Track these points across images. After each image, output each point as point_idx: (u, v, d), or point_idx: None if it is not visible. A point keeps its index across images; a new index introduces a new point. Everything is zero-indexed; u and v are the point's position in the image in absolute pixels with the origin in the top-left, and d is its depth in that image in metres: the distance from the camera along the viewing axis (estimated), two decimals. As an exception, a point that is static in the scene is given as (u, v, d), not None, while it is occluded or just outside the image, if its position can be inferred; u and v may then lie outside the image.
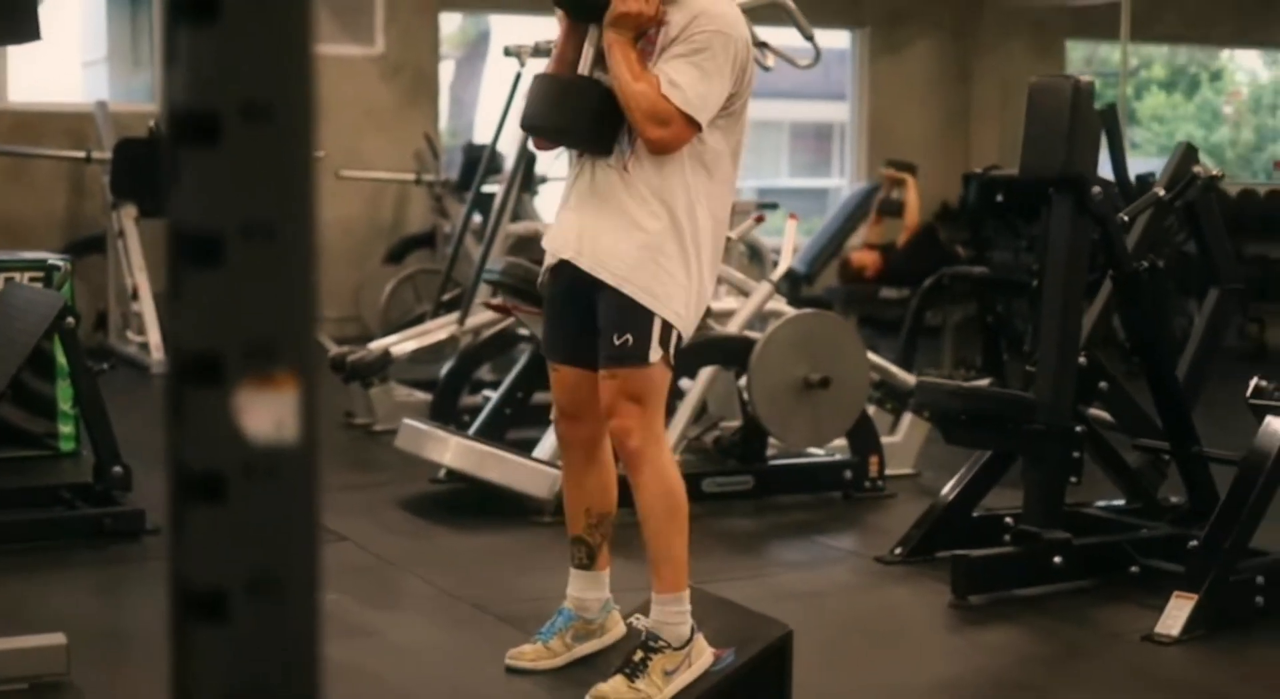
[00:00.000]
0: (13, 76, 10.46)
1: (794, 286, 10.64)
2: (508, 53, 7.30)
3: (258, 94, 1.40)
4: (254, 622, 1.44)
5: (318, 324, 1.46)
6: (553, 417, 4.03)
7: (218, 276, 1.41)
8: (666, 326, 3.69)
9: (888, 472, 6.15)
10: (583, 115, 3.75)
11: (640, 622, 3.88)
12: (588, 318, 3.78)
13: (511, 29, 13.43)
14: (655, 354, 3.68)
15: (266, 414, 1.43)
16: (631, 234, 3.69)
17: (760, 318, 6.08)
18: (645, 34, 3.73)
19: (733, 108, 3.73)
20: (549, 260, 3.88)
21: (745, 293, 6.19)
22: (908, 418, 6.46)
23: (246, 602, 1.44)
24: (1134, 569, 4.83)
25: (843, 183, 13.62)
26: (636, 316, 3.68)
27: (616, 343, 3.70)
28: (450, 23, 13.55)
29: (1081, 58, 14.15)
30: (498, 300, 6.12)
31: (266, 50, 1.41)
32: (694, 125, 3.64)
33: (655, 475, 3.72)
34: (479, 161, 8.52)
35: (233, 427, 1.43)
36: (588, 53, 3.82)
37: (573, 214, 3.81)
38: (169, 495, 1.41)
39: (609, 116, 3.71)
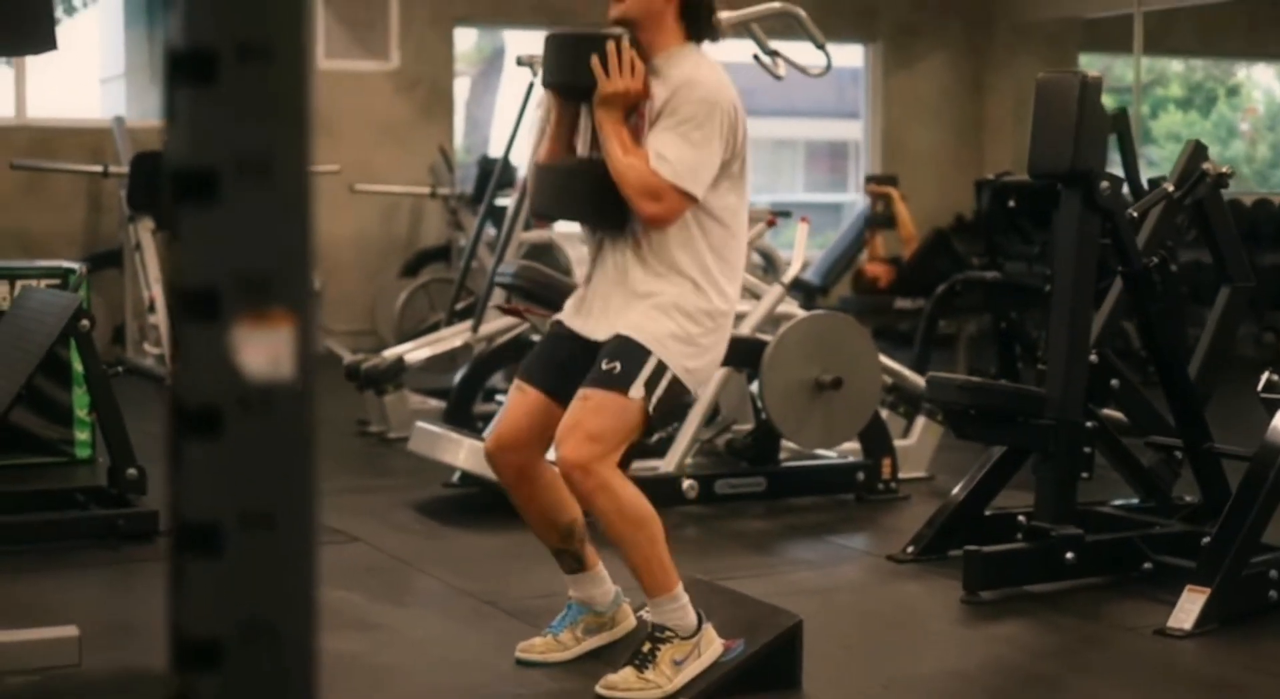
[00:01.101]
0: (32, 92, 10.52)
1: (808, 298, 10.65)
2: (520, 63, 7.33)
3: (253, 34, 1.42)
4: (247, 555, 1.45)
5: (314, 263, 1.48)
6: (484, 436, 3.99)
7: (214, 213, 1.42)
8: (659, 371, 3.65)
9: (901, 475, 6.15)
10: (587, 199, 3.77)
11: (649, 614, 3.88)
12: (580, 363, 3.75)
13: (526, 45, 13.50)
14: (637, 390, 3.63)
15: (262, 350, 1.45)
16: (647, 302, 3.70)
17: (772, 320, 6.09)
18: (636, 109, 3.74)
19: (733, 169, 3.72)
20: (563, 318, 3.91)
21: (757, 296, 6.20)
22: (921, 421, 6.47)
23: (240, 535, 1.45)
24: (1147, 566, 4.82)
25: (857, 198, 13.64)
26: (632, 351, 3.66)
27: (604, 368, 3.67)
28: (466, 40, 13.61)
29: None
30: (510, 303, 6.14)
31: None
32: (688, 197, 3.64)
33: (609, 499, 3.62)
34: (493, 174, 8.54)
35: (229, 362, 1.44)
36: (585, 131, 3.84)
37: (591, 293, 3.83)
38: (167, 430, 1.43)
39: (612, 195, 3.70)
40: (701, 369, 3.76)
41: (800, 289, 10.67)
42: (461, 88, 13.59)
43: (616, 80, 3.67)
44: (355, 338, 10.60)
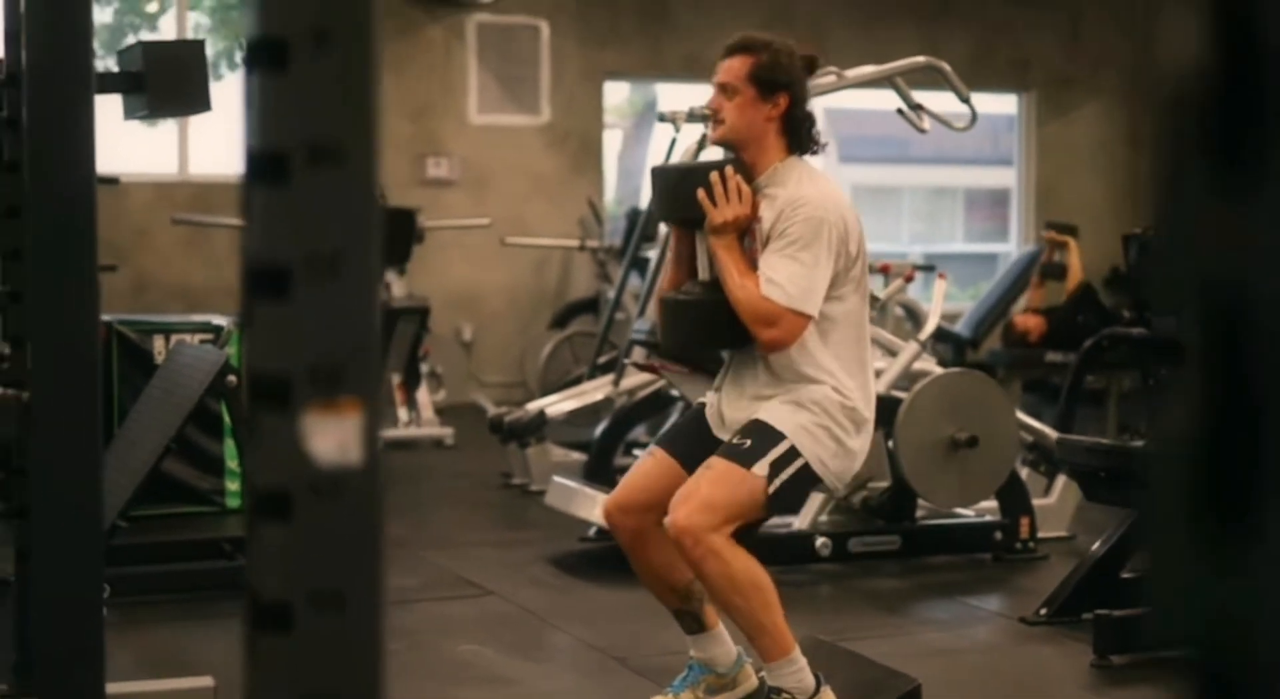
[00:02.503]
0: (194, 149, 10.85)
1: (958, 351, 10.59)
2: (662, 119, 7.41)
3: (323, 136, 1.49)
4: (318, 634, 1.52)
5: (379, 352, 1.54)
6: (604, 500, 4.05)
7: (286, 306, 1.49)
8: (790, 455, 3.69)
9: (1041, 534, 6.09)
10: (713, 327, 3.83)
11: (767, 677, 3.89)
12: (713, 442, 3.82)
13: (678, 98, 13.59)
14: (761, 468, 3.67)
15: (332, 437, 1.51)
16: (779, 398, 3.76)
17: (909, 377, 6.08)
18: (749, 231, 3.80)
19: (853, 273, 3.77)
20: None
21: (893, 353, 6.19)
22: (1061, 480, 6.40)
23: (311, 615, 1.52)
24: (1286, 632, 4.72)
25: (1013, 248, 13.53)
26: (766, 431, 3.72)
27: (735, 441, 3.73)
28: (618, 93, 13.75)
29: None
30: (646, 360, 6.20)
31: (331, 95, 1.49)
32: (803, 316, 3.69)
33: (718, 566, 3.64)
34: (639, 225, 8.63)
35: (299, 448, 1.51)
36: (703, 257, 3.91)
37: (720, 401, 3.90)
38: (246, 512, 1.50)
39: (733, 319, 3.76)
40: (842, 468, 3.78)
41: (950, 341, 10.62)
42: (614, 140, 13.73)
43: (724, 209, 3.75)
44: (506, 389, 10.75)
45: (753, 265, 3.76)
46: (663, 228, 8.31)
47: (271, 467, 1.50)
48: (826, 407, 3.74)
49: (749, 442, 3.71)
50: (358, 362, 1.52)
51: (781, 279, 3.67)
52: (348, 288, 1.51)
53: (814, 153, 3.90)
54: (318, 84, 1.50)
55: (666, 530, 3.70)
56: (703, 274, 3.91)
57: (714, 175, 3.76)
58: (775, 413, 3.73)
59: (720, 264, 3.77)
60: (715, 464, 3.72)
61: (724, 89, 3.85)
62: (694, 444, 3.87)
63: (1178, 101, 0.79)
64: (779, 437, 3.70)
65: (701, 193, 3.76)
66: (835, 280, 3.73)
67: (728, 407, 3.86)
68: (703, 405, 3.99)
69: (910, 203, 22.29)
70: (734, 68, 3.85)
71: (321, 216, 1.51)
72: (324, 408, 1.50)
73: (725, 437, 3.81)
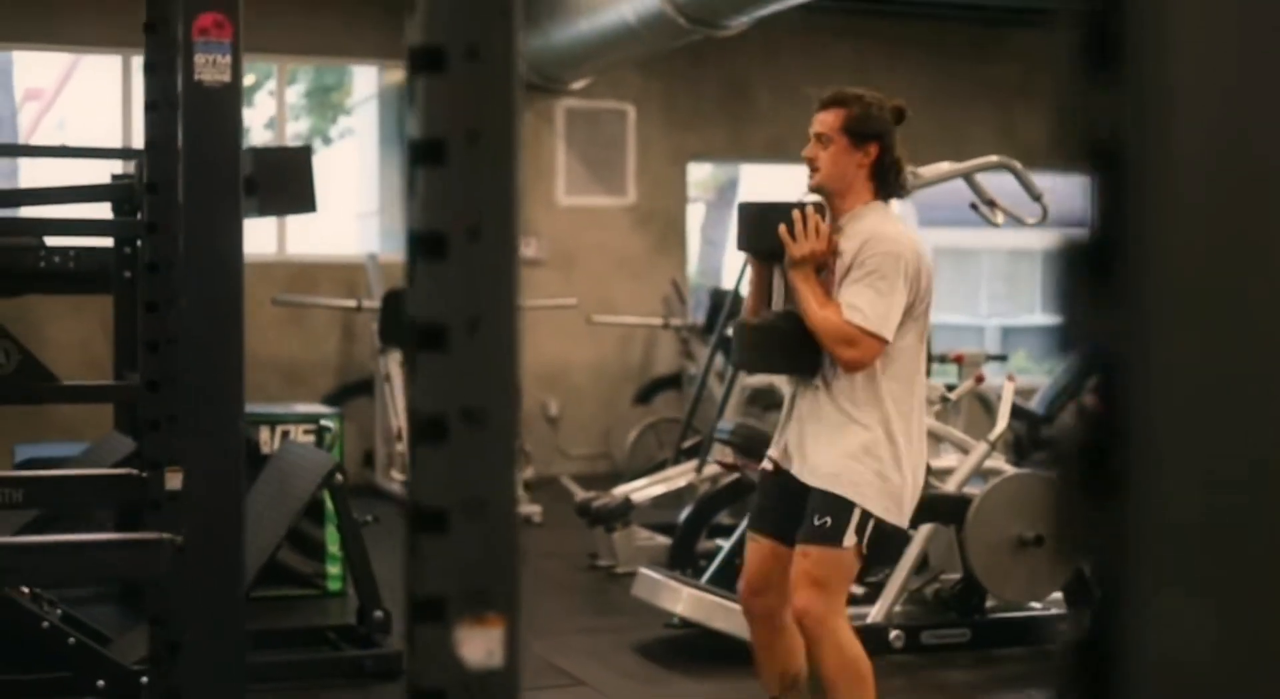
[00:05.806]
0: (292, 229, 11.28)
1: (1032, 427, 10.80)
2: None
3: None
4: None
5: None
6: (739, 585, 4.37)
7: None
8: (865, 517, 4.05)
9: (1107, 625, 6.30)
10: (780, 351, 4.22)
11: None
12: (797, 506, 4.15)
13: (759, 174, 13.92)
14: (849, 539, 4.04)
15: (480, 645, 1.85)
16: (839, 444, 4.10)
17: (980, 474, 6.34)
18: (826, 265, 4.16)
19: (915, 312, 4.13)
20: (771, 463, 4.31)
21: (965, 450, 6.46)
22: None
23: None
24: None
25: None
26: (839, 504, 4.07)
27: (816, 523, 4.07)
28: (701, 169, 14.09)
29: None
30: (729, 458, 6.49)
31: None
32: (880, 340, 4.05)
33: (835, 649, 4.04)
34: (723, 305, 8.93)
35: (453, 654, 1.84)
36: (779, 286, 4.28)
37: (790, 430, 4.25)
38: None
39: (805, 346, 4.14)
40: (902, 501, 4.11)
41: (1024, 418, 10.83)
42: (696, 213, 14.06)
43: (803, 244, 4.11)
44: (592, 461, 11.08)
45: (828, 295, 4.12)
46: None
47: (429, 670, 1.83)
48: (875, 451, 4.07)
49: (828, 520, 4.07)
50: (503, 583, 1.85)
51: (862, 304, 4.04)
52: (495, 524, 1.84)
53: (900, 197, 4.30)
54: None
55: (792, 616, 4.10)
56: (777, 304, 4.29)
57: (795, 213, 4.14)
58: (835, 475, 4.07)
59: (799, 294, 4.13)
60: (810, 552, 4.09)
61: (819, 139, 4.21)
62: (777, 518, 4.24)
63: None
64: (850, 506, 4.06)
65: (783, 228, 4.14)
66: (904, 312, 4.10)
67: (794, 439, 4.19)
68: (769, 477, 4.31)
69: (990, 265, 22.41)
70: (828, 120, 4.20)
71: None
72: (474, 622, 1.83)
73: (795, 470, 4.16)
